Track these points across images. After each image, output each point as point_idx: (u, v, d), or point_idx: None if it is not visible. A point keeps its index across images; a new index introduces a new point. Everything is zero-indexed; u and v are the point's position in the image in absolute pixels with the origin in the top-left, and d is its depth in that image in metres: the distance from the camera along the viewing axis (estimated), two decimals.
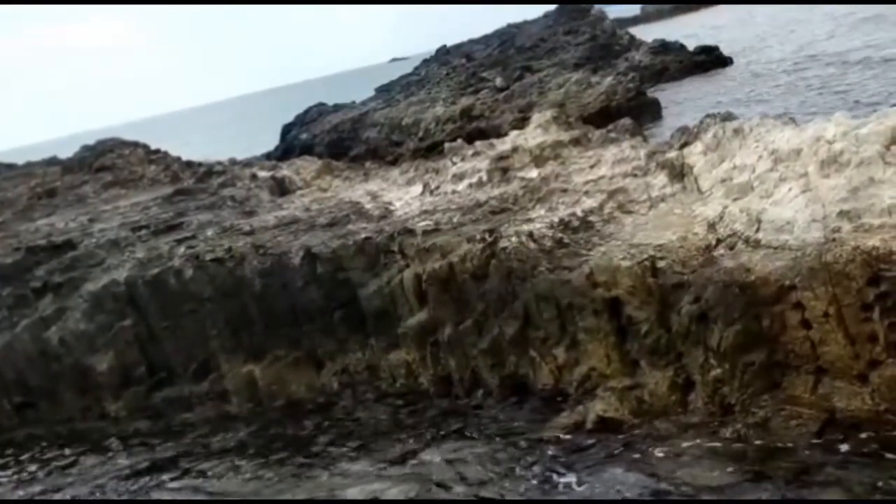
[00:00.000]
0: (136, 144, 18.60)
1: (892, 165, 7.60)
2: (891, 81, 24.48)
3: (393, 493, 8.23)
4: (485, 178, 11.90)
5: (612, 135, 12.27)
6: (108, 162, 17.67)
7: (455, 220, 10.88)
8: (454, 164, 12.73)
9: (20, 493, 10.35)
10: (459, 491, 8.06)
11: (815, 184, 7.98)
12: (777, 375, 7.74)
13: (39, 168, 18.33)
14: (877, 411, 7.23)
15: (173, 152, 18.67)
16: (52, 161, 18.85)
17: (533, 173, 11.48)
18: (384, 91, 41.93)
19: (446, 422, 9.67)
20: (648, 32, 51.08)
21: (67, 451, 11.27)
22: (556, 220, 9.84)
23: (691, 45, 42.59)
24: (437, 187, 12.42)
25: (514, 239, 9.64)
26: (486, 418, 9.50)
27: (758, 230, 8.06)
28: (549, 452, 8.40)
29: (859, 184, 7.62)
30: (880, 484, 6.80)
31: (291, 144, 37.23)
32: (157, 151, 18.47)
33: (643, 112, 28.40)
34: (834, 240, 7.35)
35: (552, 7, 44.25)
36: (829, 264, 7.26)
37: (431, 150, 27.12)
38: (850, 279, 7.18)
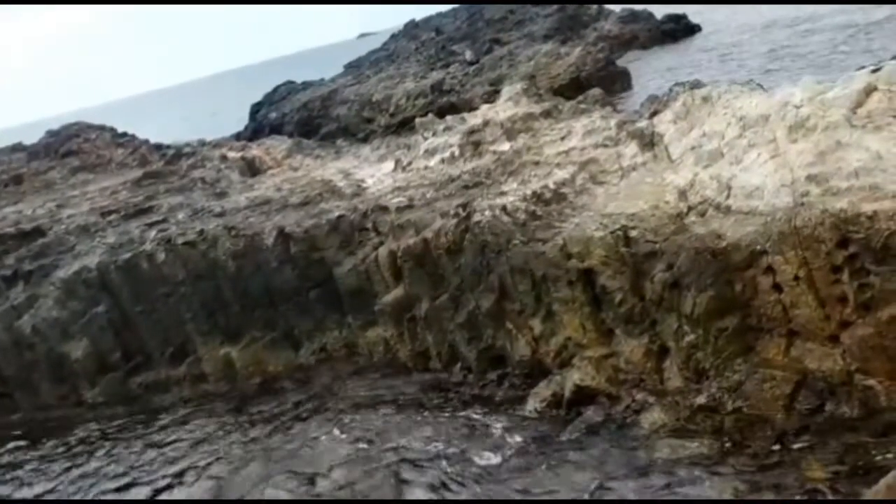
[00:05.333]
0: (102, 128, 18.38)
1: (858, 129, 7.66)
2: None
3: (371, 470, 8.25)
4: (457, 152, 11.87)
5: (583, 106, 12.28)
6: (74, 147, 17.44)
7: (428, 195, 10.87)
8: (426, 139, 12.68)
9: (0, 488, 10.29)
10: (442, 465, 8.09)
11: (783, 149, 8.03)
12: (750, 339, 7.82)
13: (4, 155, 18.05)
14: (848, 371, 7.34)
15: (140, 136, 18.44)
16: (17, 147, 18.56)
17: (505, 146, 11.47)
18: (353, 67, 41.61)
19: (427, 396, 9.70)
20: None
21: (46, 440, 11.18)
22: (528, 192, 9.84)
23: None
24: (410, 163, 12.39)
25: (487, 213, 9.64)
26: (466, 394, 9.53)
27: (728, 196, 8.12)
28: (530, 428, 8.45)
29: (826, 148, 7.68)
30: (854, 447, 6.90)
31: (261, 124, 36.82)
32: (125, 135, 18.26)
33: (613, 82, 28.34)
34: (803, 204, 7.42)
35: None
36: (798, 228, 7.33)
37: (403, 126, 26.97)
38: (819, 242, 7.26)
